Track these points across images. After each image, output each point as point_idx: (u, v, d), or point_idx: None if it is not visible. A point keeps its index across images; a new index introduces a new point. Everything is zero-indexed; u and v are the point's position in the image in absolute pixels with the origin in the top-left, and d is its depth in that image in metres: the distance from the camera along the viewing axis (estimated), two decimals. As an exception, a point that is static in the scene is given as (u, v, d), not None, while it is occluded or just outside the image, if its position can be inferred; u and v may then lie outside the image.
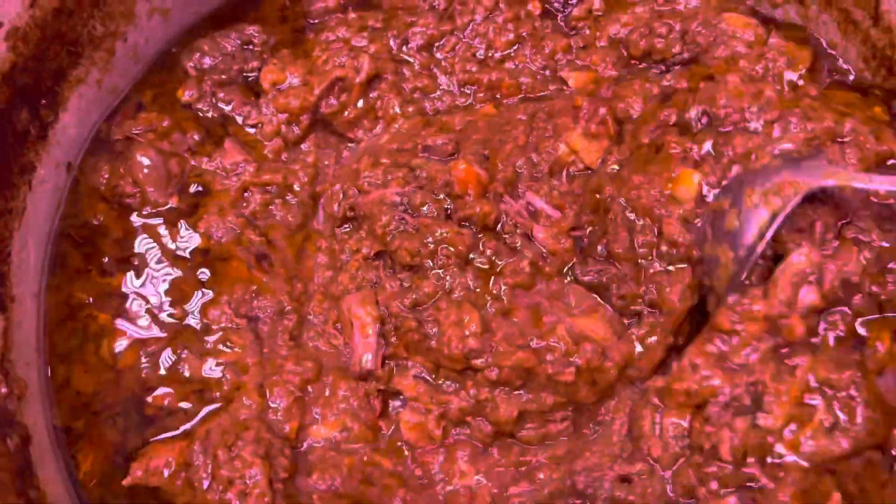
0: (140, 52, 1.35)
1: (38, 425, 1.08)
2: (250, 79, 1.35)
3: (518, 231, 1.17)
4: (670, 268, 1.10)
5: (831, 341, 1.03)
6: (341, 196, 1.23)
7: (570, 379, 1.06)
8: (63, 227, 1.23)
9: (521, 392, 1.09)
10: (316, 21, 1.42)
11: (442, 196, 1.18)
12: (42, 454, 1.06)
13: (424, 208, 1.17)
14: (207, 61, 1.34)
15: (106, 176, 1.25)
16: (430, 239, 1.14)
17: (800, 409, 0.99)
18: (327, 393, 1.12)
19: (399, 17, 1.36)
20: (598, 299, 1.15)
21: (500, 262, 1.15)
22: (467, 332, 1.08)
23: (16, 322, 1.11)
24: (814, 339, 1.03)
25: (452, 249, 1.13)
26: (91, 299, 1.18)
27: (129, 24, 1.31)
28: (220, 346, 1.14)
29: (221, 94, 1.32)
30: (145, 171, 1.23)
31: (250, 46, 1.37)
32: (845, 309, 1.04)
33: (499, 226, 1.17)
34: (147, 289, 1.18)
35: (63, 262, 1.21)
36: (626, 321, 1.13)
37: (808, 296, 1.01)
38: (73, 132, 1.26)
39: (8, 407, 1.03)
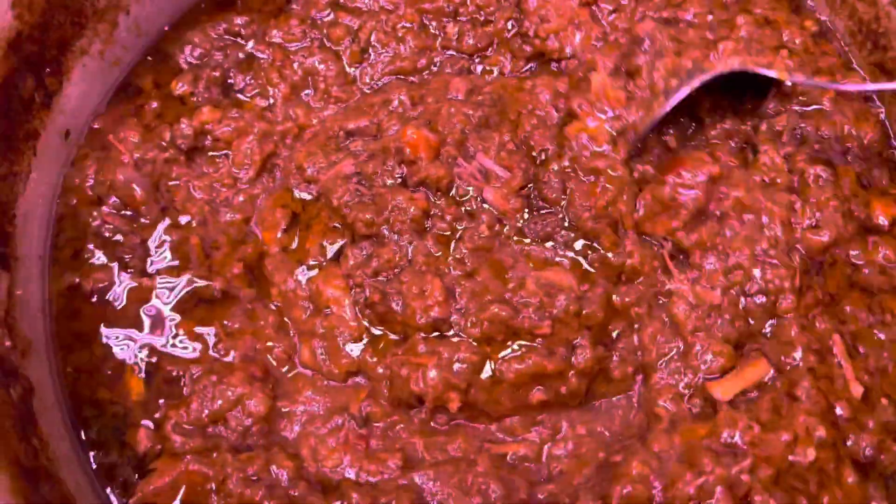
0: (142, 26, 1.39)
1: (43, 382, 1.12)
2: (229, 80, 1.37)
3: (473, 194, 1.20)
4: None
5: None
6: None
7: (548, 332, 1.10)
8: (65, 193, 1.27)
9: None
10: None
11: (395, 164, 1.21)
12: (45, 409, 1.10)
13: (378, 178, 1.20)
14: (199, 53, 1.37)
15: (91, 179, 1.26)
16: (386, 207, 1.17)
17: None
18: None
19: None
20: (556, 250, 1.19)
21: (459, 227, 1.18)
22: (430, 302, 1.11)
23: (20, 281, 1.15)
24: None
25: (408, 215, 1.16)
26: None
27: (132, -4, 1.35)
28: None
29: (208, 94, 1.35)
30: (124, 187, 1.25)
31: (238, 38, 1.40)
32: None
33: (454, 189, 1.20)
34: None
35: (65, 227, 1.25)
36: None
37: None
38: (76, 102, 1.30)
39: (11, 359, 1.07)
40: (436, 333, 1.13)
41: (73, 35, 1.27)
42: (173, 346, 1.17)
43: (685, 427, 1.06)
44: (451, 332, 1.13)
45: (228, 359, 1.15)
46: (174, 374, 1.14)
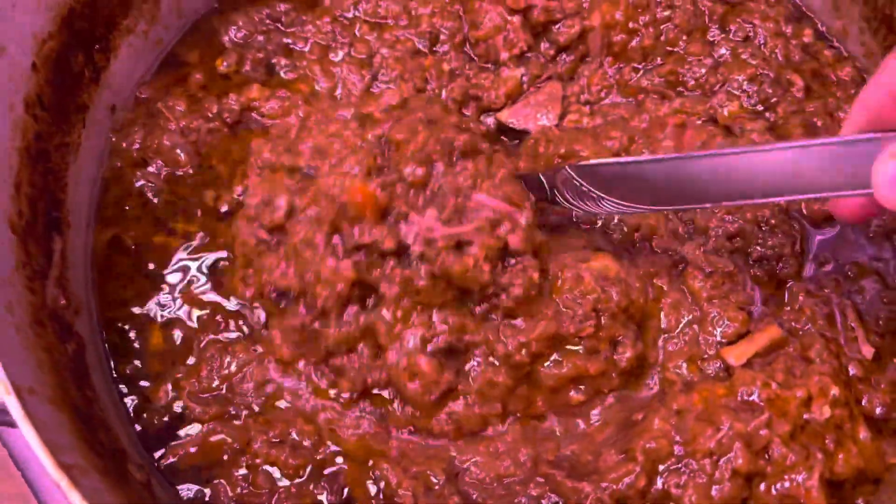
0: (183, 7, 1.45)
1: (94, 341, 1.19)
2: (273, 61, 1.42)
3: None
4: None
5: None
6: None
7: (591, 331, 1.12)
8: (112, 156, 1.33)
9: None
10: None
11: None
12: (95, 364, 1.16)
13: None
14: (242, 35, 1.43)
15: (138, 143, 1.33)
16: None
17: None
18: None
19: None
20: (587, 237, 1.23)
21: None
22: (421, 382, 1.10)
23: (71, 245, 1.21)
24: None
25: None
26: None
27: (174, -22, 1.41)
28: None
29: (255, 74, 1.40)
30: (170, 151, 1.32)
31: (279, 24, 1.46)
32: None
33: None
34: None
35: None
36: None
37: None
38: (122, 79, 1.36)
39: (66, 317, 1.13)
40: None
41: (120, 14, 1.33)
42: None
43: (703, 387, 1.11)
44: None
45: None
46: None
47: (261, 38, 1.43)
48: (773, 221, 1.23)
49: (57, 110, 1.21)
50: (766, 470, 1.03)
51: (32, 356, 0.99)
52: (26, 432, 0.85)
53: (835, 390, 1.07)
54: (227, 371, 1.16)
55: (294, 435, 1.12)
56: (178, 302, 1.22)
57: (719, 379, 1.14)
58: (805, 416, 1.07)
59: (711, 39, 1.41)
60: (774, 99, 1.33)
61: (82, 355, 1.13)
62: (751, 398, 1.08)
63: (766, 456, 1.04)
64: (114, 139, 1.33)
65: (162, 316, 1.21)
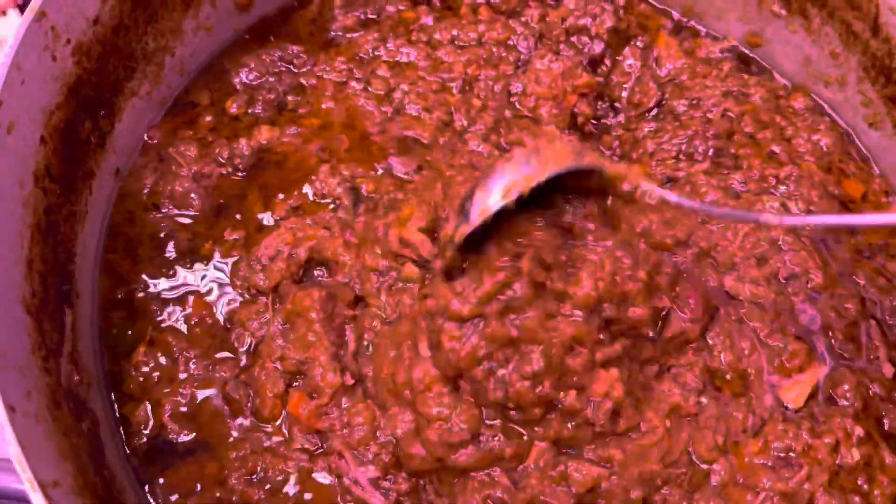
0: (185, 66, 1.44)
1: (104, 411, 1.17)
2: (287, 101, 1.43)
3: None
4: None
5: None
6: None
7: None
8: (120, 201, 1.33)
9: None
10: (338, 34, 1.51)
11: None
12: (108, 440, 1.15)
13: None
14: (254, 77, 1.43)
15: (148, 186, 1.33)
16: None
17: None
18: None
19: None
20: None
21: None
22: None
23: (80, 315, 1.20)
24: None
25: None
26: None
27: (177, 39, 1.41)
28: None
29: (265, 114, 1.41)
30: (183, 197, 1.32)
31: (291, 66, 1.46)
32: None
33: None
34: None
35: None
36: None
37: None
38: (126, 140, 1.35)
39: (80, 394, 1.12)
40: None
41: (125, 77, 1.32)
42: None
43: (737, 450, 1.10)
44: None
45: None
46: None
47: (272, 79, 1.43)
48: (789, 239, 1.23)
49: (65, 179, 1.20)
50: None
51: (53, 444, 0.97)
52: (55, 532, 0.84)
53: (859, 430, 1.09)
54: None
55: None
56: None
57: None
58: (837, 461, 1.08)
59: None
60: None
61: (97, 433, 1.11)
62: (783, 452, 1.09)
63: None
64: (121, 186, 1.33)
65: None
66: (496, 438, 1.05)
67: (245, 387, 1.16)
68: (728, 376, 1.14)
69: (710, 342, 1.15)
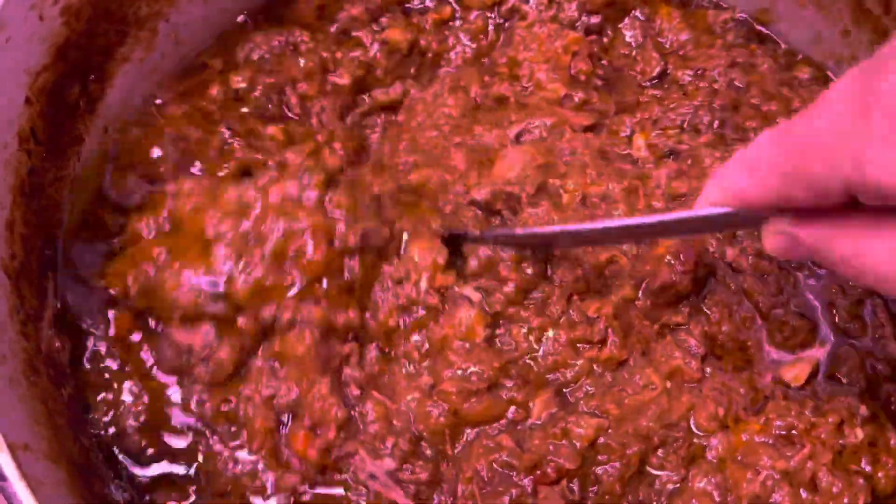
0: (180, 35, 1.41)
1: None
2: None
3: None
4: None
5: None
6: None
7: None
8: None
9: None
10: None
11: None
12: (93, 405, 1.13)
13: None
14: (257, 54, 1.40)
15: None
16: None
17: None
18: None
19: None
20: None
21: None
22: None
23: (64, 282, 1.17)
24: None
25: None
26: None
27: (172, 6, 1.37)
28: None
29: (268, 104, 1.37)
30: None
31: (296, 52, 1.42)
32: None
33: None
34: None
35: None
36: None
37: None
38: (117, 108, 1.32)
39: (61, 361, 1.10)
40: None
41: (116, 42, 1.29)
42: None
43: (738, 427, 1.08)
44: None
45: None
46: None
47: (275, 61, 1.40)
48: None
49: (52, 143, 1.17)
50: (813, 502, 1.02)
51: (27, 408, 0.95)
52: (22, 493, 0.81)
53: (863, 410, 1.06)
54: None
55: None
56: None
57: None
58: (840, 441, 1.06)
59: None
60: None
61: (79, 399, 1.09)
62: (785, 431, 1.06)
63: (815, 487, 1.03)
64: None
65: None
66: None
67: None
68: (728, 345, 1.13)
69: (708, 311, 1.14)
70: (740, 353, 1.13)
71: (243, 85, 1.36)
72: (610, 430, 1.07)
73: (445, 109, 1.31)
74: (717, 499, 1.03)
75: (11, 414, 0.90)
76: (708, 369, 1.11)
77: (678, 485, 1.05)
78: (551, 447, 1.06)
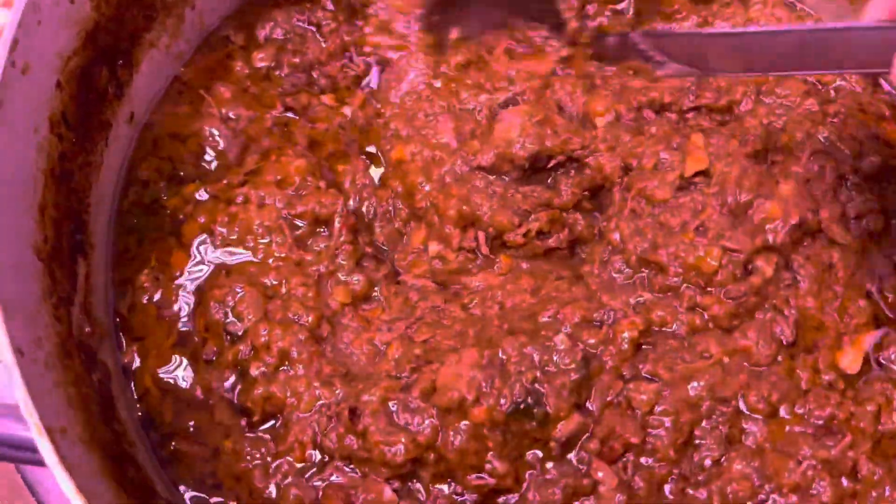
0: (205, 21, 1.41)
1: (115, 366, 1.15)
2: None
3: None
4: None
5: None
6: None
7: None
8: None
9: None
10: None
11: None
12: (118, 393, 1.12)
13: None
14: (279, 33, 1.39)
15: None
16: None
17: None
18: None
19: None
20: None
21: None
22: None
23: (94, 267, 1.17)
24: None
25: None
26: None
27: (198, -8, 1.37)
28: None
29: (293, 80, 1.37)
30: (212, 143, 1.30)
31: (317, 32, 1.42)
32: None
33: None
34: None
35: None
36: None
37: None
38: (143, 93, 1.32)
39: (91, 345, 1.09)
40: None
41: (144, 28, 1.29)
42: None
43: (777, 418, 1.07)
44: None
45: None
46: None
47: (298, 40, 1.39)
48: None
49: (81, 128, 1.17)
50: (854, 490, 1.01)
51: (62, 392, 0.94)
52: (60, 478, 0.81)
53: None
54: None
55: None
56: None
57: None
58: (879, 427, 1.05)
59: None
60: None
61: (108, 385, 1.09)
62: (824, 420, 1.05)
63: (856, 476, 1.02)
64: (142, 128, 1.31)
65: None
66: None
67: None
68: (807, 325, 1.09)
69: (798, 279, 1.10)
70: (815, 333, 1.09)
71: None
72: (665, 394, 1.04)
73: None
74: (757, 483, 1.02)
75: (48, 397, 0.89)
76: (780, 357, 1.07)
77: (716, 463, 1.03)
78: (618, 421, 1.03)
